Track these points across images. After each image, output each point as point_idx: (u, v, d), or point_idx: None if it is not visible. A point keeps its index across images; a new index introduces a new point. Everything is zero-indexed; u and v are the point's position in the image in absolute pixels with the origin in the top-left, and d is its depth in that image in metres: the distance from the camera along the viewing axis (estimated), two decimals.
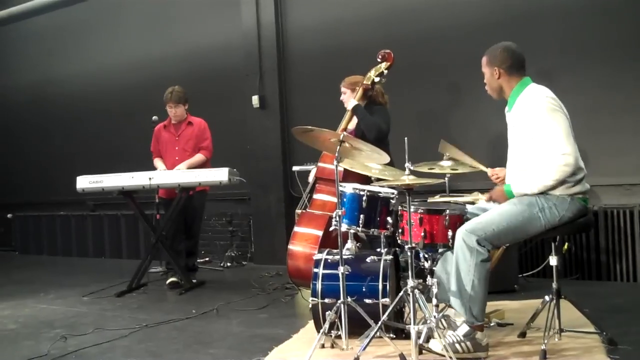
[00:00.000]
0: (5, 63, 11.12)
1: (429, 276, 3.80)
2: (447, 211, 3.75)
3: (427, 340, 3.62)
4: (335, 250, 4.14)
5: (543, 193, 3.61)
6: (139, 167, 6.47)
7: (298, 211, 5.71)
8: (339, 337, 3.87)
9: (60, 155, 10.20)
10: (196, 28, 8.65)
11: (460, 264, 3.57)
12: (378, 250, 4.23)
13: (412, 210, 3.69)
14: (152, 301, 6.06)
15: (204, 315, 5.25)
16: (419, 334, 3.52)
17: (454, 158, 4.27)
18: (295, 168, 6.79)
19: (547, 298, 3.79)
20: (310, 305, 4.11)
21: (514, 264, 5.58)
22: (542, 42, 5.98)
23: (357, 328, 3.86)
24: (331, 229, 4.19)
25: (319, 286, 4.07)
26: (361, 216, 4.14)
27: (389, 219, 4.14)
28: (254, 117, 7.99)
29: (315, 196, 5.46)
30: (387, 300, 3.93)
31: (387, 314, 3.75)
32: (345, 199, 4.19)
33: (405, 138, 3.66)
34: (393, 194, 4.21)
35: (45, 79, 10.42)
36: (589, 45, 5.97)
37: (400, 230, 3.89)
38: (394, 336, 3.94)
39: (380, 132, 5.22)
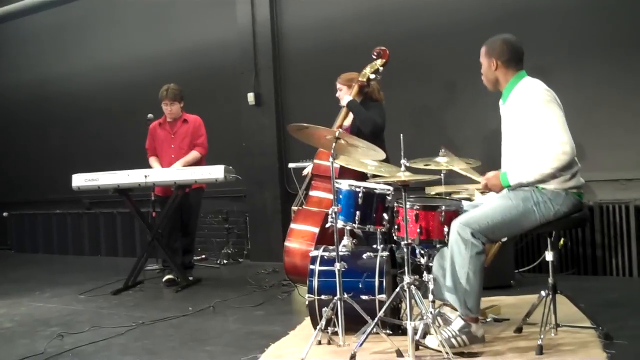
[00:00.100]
0: (1, 61, 11.09)
1: (425, 272, 3.81)
2: (443, 207, 3.75)
3: (424, 336, 3.62)
4: (331, 247, 4.14)
5: (538, 187, 3.61)
6: (135, 165, 6.47)
7: (294, 208, 5.71)
8: (335, 333, 3.87)
9: (56, 153, 10.20)
10: (192, 26, 8.64)
11: (455, 256, 3.58)
12: (374, 246, 4.23)
13: (408, 206, 3.69)
14: (148, 299, 6.06)
15: (200, 313, 5.25)
16: (415, 330, 3.52)
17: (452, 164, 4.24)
18: (291, 165, 6.79)
19: (543, 293, 3.79)
20: (306, 302, 4.11)
21: (510, 260, 5.59)
22: (538, 38, 5.98)
23: (353, 324, 3.86)
24: (327, 225, 4.19)
25: (315, 283, 4.07)
26: (357, 213, 4.14)
27: (385, 216, 4.14)
28: (250, 114, 7.99)
29: (311, 193, 5.46)
30: (383, 296, 3.93)
31: (383, 310, 3.75)
32: (341, 196, 4.19)
33: (401, 135, 3.66)
34: (389, 190, 4.21)
35: (41, 77, 10.40)
36: (585, 41, 5.97)
37: (396, 227, 3.89)
38: (391, 332, 3.94)
39: (375, 126, 5.22)
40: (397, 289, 3.72)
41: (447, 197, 4.44)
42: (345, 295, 3.81)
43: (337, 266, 3.80)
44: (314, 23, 7.61)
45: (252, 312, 5.18)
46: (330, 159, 3.89)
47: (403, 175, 3.62)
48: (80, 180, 6.50)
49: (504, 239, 4.04)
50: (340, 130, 3.92)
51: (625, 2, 5.82)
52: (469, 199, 4.24)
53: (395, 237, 3.93)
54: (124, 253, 9.35)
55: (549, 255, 3.82)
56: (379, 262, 4.03)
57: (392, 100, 5.83)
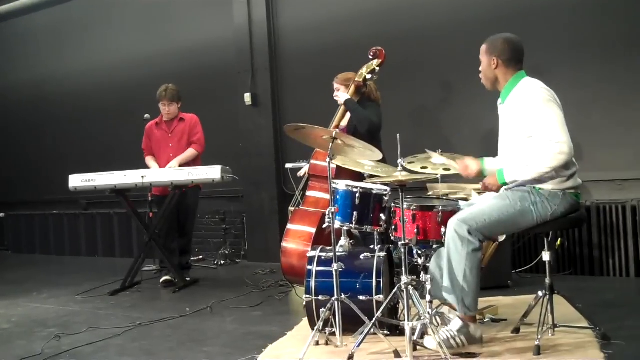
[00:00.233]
0: None
1: (422, 272, 3.81)
2: (440, 207, 3.75)
3: (422, 336, 3.63)
4: (328, 248, 4.14)
5: (535, 188, 3.61)
6: (132, 166, 6.46)
7: (291, 208, 5.71)
8: (333, 334, 3.87)
9: (52, 154, 10.18)
10: (188, 26, 8.63)
11: (452, 254, 3.57)
12: (371, 247, 4.23)
13: (405, 206, 3.69)
14: (145, 300, 6.05)
15: (197, 314, 5.25)
16: (413, 330, 3.52)
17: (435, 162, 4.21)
18: (288, 165, 6.79)
19: (540, 294, 3.79)
20: (304, 303, 4.11)
21: (507, 260, 5.59)
22: (535, 37, 5.97)
23: (351, 325, 3.86)
24: (324, 226, 4.20)
25: (312, 283, 4.07)
26: (354, 213, 4.14)
27: (382, 216, 4.15)
28: (247, 114, 7.98)
29: (308, 193, 5.46)
30: (381, 297, 3.93)
31: (381, 310, 3.75)
32: (338, 196, 4.19)
33: (398, 135, 3.66)
34: (386, 190, 4.21)
35: (37, 77, 10.38)
36: (582, 40, 5.98)
37: (393, 227, 3.89)
38: (388, 333, 3.94)
39: (372, 125, 5.22)
40: (395, 290, 3.73)
41: (444, 198, 4.44)
42: (343, 296, 3.82)
43: (335, 267, 3.80)
44: (311, 23, 7.61)
45: (250, 313, 5.18)
46: (327, 159, 3.89)
47: (400, 176, 3.62)
48: (77, 180, 6.49)
49: (501, 238, 4.05)
50: (337, 130, 3.92)
51: (622, 1, 5.82)
52: (466, 199, 4.24)
53: (392, 238, 3.93)
54: (121, 254, 9.34)
55: (546, 256, 3.81)
56: (377, 263, 4.03)
57: (389, 100, 5.83)
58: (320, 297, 4.01)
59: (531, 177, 3.56)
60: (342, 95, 5.42)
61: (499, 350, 3.65)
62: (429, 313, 3.62)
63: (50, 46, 10.25)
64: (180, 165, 6.44)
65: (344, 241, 4.22)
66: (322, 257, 4.13)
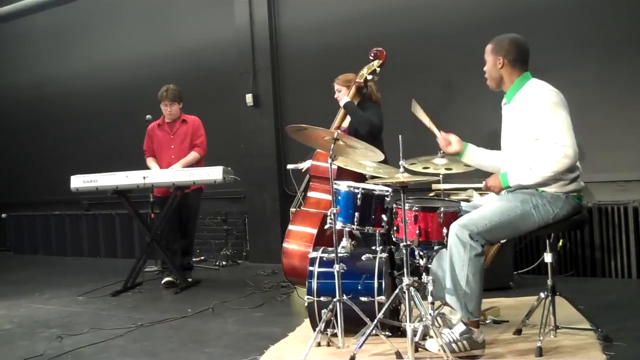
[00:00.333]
0: (0, 62, 11.08)
1: (424, 274, 3.81)
2: (442, 208, 3.75)
3: (423, 337, 3.62)
4: (330, 249, 4.15)
5: (537, 190, 3.61)
6: (134, 166, 6.47)
7: (292, 209, 5.72)
8: (335, 335, 3.87)
9: (54, 154, 10.20)
10: (190, 27, 8.64)
11: (454, 259, 3.56)
12: (373, 248, 4.23)
13: (406, 207, 3.69)
14: (147, 300, 6.06)
15: (199, 314, 5.25)
16: (414, 331, 3.52)
17: (418, 117, 4.22)
18: (289, 166, 6.77)
19: (542, 295, 3.79)
20: (305, 304, 4.11)
21: (509, 261, 5.59)
22: (535, 38, 5.92)
23: (353, 326, 3.86)
24: (326, 227, 4.19)
25: (314, 284, 4.07)
26: (356, 214, 4.13)
27: (384, 217, 4.14)
28: (248, 115, 7.99)
29: (310, 194, 5.46)
30: (382, 298, 3.93)
31: (382, 311, 3.75)
32: (339, 197, 4.19)
33: (400, 136, 3.66)
34: (387, 191, 4.21)
35: (39, 78, 10.40)
36: (583, 41, 5.98)
37: (395, 228, 3.88)
38: (390, 334, 3.94)
39: (373, 126, 5.22)
40: (397, 291, 3.73)
41: (446, 199, 4.43)
42: (345, 297, 3.81)
43: (337, 267, 3.80)
44: (312, 24, 7.61)
45: (251, 314, 5.18)
46: (329, 160, 3.89)
47: (402, 177, 3.62)
48: (78, 181, 6.49)
49: (503, 241, 4.04)
50: (338, 131, 3.92)
51: (623, 2, 5.82)
52: (468, 201, 4.24)
53: (394, 239, 3.93)
54: (122, 254, 9.35)
55: (547, 257, 3.81)
56: (378, 264, 4.03)
57: (390, 101, 5.83)
58: (322, 298, 4.01)
59: (535, 181, 3.54)
60: (342, 98, 5.42)
61: (500, 351, 3.65)
62: (430, 314, 3.62)
63: (52, 47, 10.26)
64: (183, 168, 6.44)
65: (345, 242, 4.22)
66: (324, 258, 4.14)
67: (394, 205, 3.90)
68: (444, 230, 3.69)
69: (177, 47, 8.75)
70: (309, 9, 7.64)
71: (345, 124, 5.51)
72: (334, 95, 5.60)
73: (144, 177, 6.23)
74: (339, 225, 4.13)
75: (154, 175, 6.30)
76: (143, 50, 9.15)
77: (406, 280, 3.58)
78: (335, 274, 3.80)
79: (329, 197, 4.64)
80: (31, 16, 10.44)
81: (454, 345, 3.54)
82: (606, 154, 5.83)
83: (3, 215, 10.88)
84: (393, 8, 7.00)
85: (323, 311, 3.88)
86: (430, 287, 3.68)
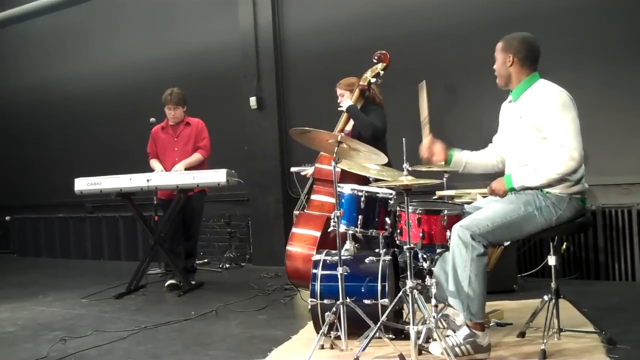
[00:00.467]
0: (3, 65, 11.12)
1: (427, 276, 3.80)
2: (445, 211, 3.74)
3: (427, 340, 3.62)
4: (333, 251, 4.15)
5: (542, 191, 3.60)
6: (138, 169, 6.48)
7: (296, 212, 5.72)
8: (338, 338, 3.87)
9: (58, 157, 10.22)
10: (194, 29, 8.66)
11: (457, 260, 3.55)
12: (377, 250, 4.23)
13: (410, 210, 3.69)
14: (151, 303, 6.06)
15: (203, 317, 5.25)
16: (418, 334, 3.52)
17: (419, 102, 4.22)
18: (293, 169, 6.78)
19: (546, 298, 3.79)
20: (309, 306, 4.10)
21: (513, 264, 5.58)
22: (539, 40, 5.97)
23: (356, 329, 3.86)
24: (329, 230, 4.19)
25: (317, 287, 4.06)
26: (359, 217, 4.13)
27: (388, 220, 4.14)
28: (252, 118, 8.00)
29: (313, 197, 5.46)
30: (386, 300, 3.93)
31: (386, 314, 3.75)
32: (343, 200, 4.19)
33: (403, 139, 3.66)
34: (391, 194, 4.21)
35: (43, 81, 10.43)
36: (587, 44, 5.97)
37: (398, 231, 3.88)
38: (394, 337, 3.94)
39: (376, 130, 5.22)
40: (400, 294, 3.72)
41: (450, 202, 4.43)
42: (348, 300, 3.81)
43: (340, 270, 3.80)
44: (316, 27, 7.62)
45: (255, 317, 5.18)
46: (333, 163, 3.89)
47: (405, 180, 3.62)
48: (82, 184, 6.49)
49: (507, 242, 4.03)
50: (342, 134, 3.92)
51: (626, 4, 5.82)
52: (471, 203, 4.23)
53: (397, 242, 3.93)
54: (126, 257, 9.35)
55: (551, 260, 3.81)
56: (382, 267, 4.03)
57: (394, 104, 5.84)
58: (325, 301, 4.01)
59: (539, 183, 3.54)
60: (344, 102, 5.43)
61: (504, 354, 3.65)
62: (434, 317, 3.61)
63: (55, 50, 10.29)
64: (186, 169, 6.45)
65: (349, 245, 4.22)
66: (328, 261, 4.13)
67: (398, 208, 3.90)
68: (448, 233, 3.68)
69: (181, 50, 8.76)
70: (313, 12, 7.65)
71: (349, 127, 5.51)
72: (336, 99, 5.60)
73: (148, 180, 6.24)
74: (342, 228, 4.13)
75: (158, 177, 6.30)
76: (147, 53, 9.17)
77: (410, 282, 3.58)
78: (339, 276, 3.80)
79: (332, 200, 4.64)
80: (34, 20, 10.46)
81: (457, 349, 3.54)
82: (610, 157, 5.82)
83: (7, 218, 10.89)
84: (397, 11, 7.00)
85: (326, 314, 3.88)
86: (433, 290, 3.68)
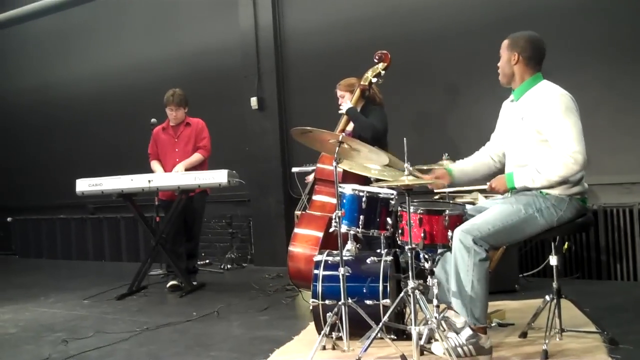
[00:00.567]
0: (5, 66, 11.14)
1: (429, 277, 3.80)
2: (447, 211, 3.74)
3: (429, 341, 3.61)
4: (335, 252, 4.14)
5: (542, 192, 3.59)
6: (139, 170, 6.48)
7: (297, 212, 5.71)
8: (340, 338, 3.86)
9: (59, 158, 10.22)
10: (194, 30, 8.66)
11: (459, 264, 3.55)
12: (378, 251, 4.23)
13: (411, 210, 3.68)
14: (152, 304, 6.06)
15: (204, 318, 5.25)
16: (420, 335, 3.51)
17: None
18: (294, 169, 6.78)
19: (547, 298, 3.79)
20: (310, 307, 4.11)
21: (514, 264, 5.58)
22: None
23: (358, 329, 3.85)
24: (331, 230, 4.19)
25: (319, 288, 4.07)
26: (361, 217, 4.13)
27: (389, 220, 4.13)
28: (253, 118, 7.99)
29: (315, 197, 5.45)
30: (387, 301, 3.93)
31: (387, 315, 3.74)
32: (344, 200, 4.18)
33: (404, 139, 3.65)
34: (392, 194, 4.20)
35: (44, 82, 10.44)
36: (587, 44, 5.97)
37: (400, 231, 3.88)
38: (395, 337, 3.94)
39: (376, 131, 5.21)
40: (402, 294, 3.72)
41: (451, 201, 4.43)
42: (350, 300, 3.81)
43: (341, 271, 3.80)
44: (317, 27, 7.62)
45: (256, 317, 5.18)
46: (334, 163, 3.89)
47: (407, 180, 3.61)
48: (84, 185, 6.49)
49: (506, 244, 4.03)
50: (343, 134, 3.92)
51: (627, 5, 5.81)
52: (473, 203, 4.23)
53: (399, 242, 3.92)
54: (128, 258, 9.36)
55: (553, 260, 3.81)
56: (383, 267, 4.03)
57: (395, 104, 5.84)
58: (327, 302, 4.01)
59: (541, 184, 3.53)
60: (344, 104, 5.43)
61: (506, 354, 3.65)
62: (435, 317, 3.61)
63: (57, 51, 10.30)
64: (187, 170, 6.45)
65: (350, 245, 4.22)
66: (329, 261, 4.13)
67: (399, 208, 3.89)
68: (449, 233, 3.67)
69: (182, 51, 8.77)
70: (313, 12, 7.65)
71: (350, 128, 5.50)
72: (337, 100, 5.60)
73: (149, 181, 6.24)
74: (344, 228, 4.13)
75: (159, 178, 6.30)
76: (148, 54, 9.17)
77: (411, 283, 3.57)
78: (340, 277, 3.79)
79: (334, 200, 4.64)
80: (36, 20, 10.46)
81: (459, 349, 3.53)
82: (611, 156, 5.81)
83: (8, 219, 10.90)
84: (397, 11, 7.00)
85: (328, 314, 3.88)
86: (435, 290, 3.68)
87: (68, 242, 10.13)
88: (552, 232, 3.67)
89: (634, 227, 5.69)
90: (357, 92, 5.42)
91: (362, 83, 5.41)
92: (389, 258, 4.09)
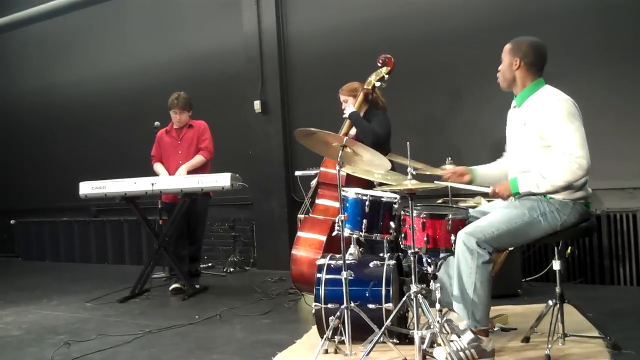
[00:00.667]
0: (8, 69, 11.17)
1: (432, 281, 3.80)
2: (450, 215, 3.74)
3: (431, 345, 3.61)
4: (338, 255, 4.14)
5: (545, 197, 3.59)
6: (142, 173, 6.48)
7: (300, 216, 5.71)
8: (342, 342, 3.87)
9: (63, 161, 10.24)
10: (198, 33, 8.68)
11: (462, 267, 3.55)
12: (381, 255, 4.23)
13: (414, 214, 3.68)
14: (155, 307, 6.06)
15: (206, 321, 5.25)
16: (422, 339, 3.51)
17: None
18: (297, 173, 6.77)
19: (550, 302, 3.78)
20: (313, 311, 4.10)
21: (517, 269, 5.56)
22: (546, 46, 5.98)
23: (360, 333, 3.86)
24: (334, 233, 4.19)
25: (322, 291, 4.07)
26: (364, 221, 4.13)
27: (392, 224, 4.14)
28: (256, 122, 8.00)
29: (318, 201, 5.45)
30: (390, 305, 3.92)
31: (390, 319, 3.74)
32: (347, 204, 4.19)
33: (408, 142, 3.65)
34: (395, 198, 4.20)
35: (47, 84, 10.45)
36: (590, 49, 5.97)
37: (403, 235, 3.88)
38: (398, 341, 3.94)
39: (376, 137, 5.20)
40: (404, 298, 3.72)
41: (454, 206, 4.43)
42: (352, 304, 3.81)
43: (344, 274, 3.80)
44: (320, 30, 7.63)
45: (259, 321, 5.17)
46: (337, 167, 3.89)
47: (410, 184, 3.61)
48: (87, 188, 6.50)
49: (511, 248, 4.02)
50: (346, 138, 3.92)
51: (629, 10, 5.81)
52: (475, 207, 4.22)
53: (402, 246, 3.92)
54: (130, 261, 9.36)
55: (556, 264, 3.80)
56: (386, 271, 4.03)
57: (398, 108, 5.84)
58: (329, 305, 4.01)
59: (545, 189, 3.51)
60: (348, 109, 5.43)
61: (509, 359, 3.64)
62: (438, 322, 3.60)
63: (60, 54, 10.32)
64: (189, 172, 6.46)
65: (353, 249, 4.21)
66: (332, 265, 4.13)
67: (402, 212, 3.89)
68: (452, 237, 3.67)
69: (185, 54, 8.78)
70: (316, 16, 7.66)
71: (353, 131, 5.50)
72: (340, 104, 5.59)
73: (153, 184, 6.24)
74: (346, 232, 4.13)
75: (162, 181, 6.31)
76: (151, 57, 9.19)
77: (414, 287, 3.57)
78: (343, 280, 3.80)
79: (337, 204, 4.64)
80: (40, 24, 10.48)
81: (461, 353, 3.53)
82: (614, 161, 5.80)
83: (11, 222, 10.89)
84: (401, 14, 7.00)
85: (330, 318, 3.88)
86: (438, 294, 3.67)
87: (71, 245, 10.14)
88: (556, 237, 3.67)
89: (637, 232, 5.68)
90: (360, 96, 5.41)
91: (365, 87, 5.41)
92: (392, 262, 4.08)
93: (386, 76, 5.38)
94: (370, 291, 3.98)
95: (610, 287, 5.77)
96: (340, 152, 3.86)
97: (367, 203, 4.13)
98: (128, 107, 9.30)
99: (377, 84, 5.39)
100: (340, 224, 3.96)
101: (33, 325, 5.47)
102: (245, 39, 8.06)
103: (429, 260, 3.82)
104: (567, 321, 3.78)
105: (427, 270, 3.84)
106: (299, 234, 5.30)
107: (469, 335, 3.57)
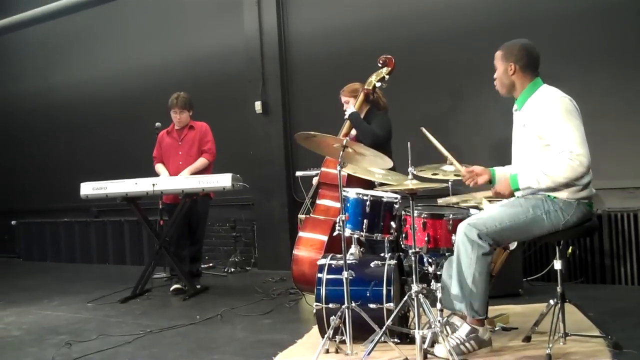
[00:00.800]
0: (9, 70, 11.18)
1: (433, 281, 3.80)
2: (451, 215, 3.74)
3: (432, 344, 3.61)
4: (339, 255, 4.14)
5: (550, 196, 3.58)
6: (143, 174, 6.48)
7: (301, 216, 5.71)
8: (343, 342, 3.87)
9: (64, 162, 10.24)
10: (199, 34, 8.68)
11: (462, 257, 3.55)
12: (382, 255, 4.23)
13: (415, 214, 3.69)
14: (156, 307, 6.06)
15: (207, 321, 5.25)
16: (423, 338, 3.52)
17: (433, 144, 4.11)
18: (298, 173, 6.78)
19: (551, 302, 3.78)
20: (314, 310, 4.11)
21: (519, 268, 5.56)
22: (543, 47, 5.87)
23: (361, 333, 3.85)
24: (335, 233, 4.19)
25: (323, 291, 4.07)
26: (365, 221, 4.14)
27: (393, 224, 4.14)
28: (257, 123, 8.00)
29: (319, 201, 5.46)
30: (391, 305, 3.92)
31: (391, 318, 3.75)
32: (348, 204, 4.19)
33: (408, 143, 3.65)
34: (396, 198, 4.20)
35: (48, 85, 10.46)
36: (591, 50, 5.96)
37: (403, 235, 3.88)
38: (399, 341, 3.94)
39: (376, 137, 5.20)
40: (405, 298, 3.72)
41: (455, 206, 4.43)
42: (353, 304, 3.81)
43: (345, 274, 3.80)
44: (321, 31, 7.63)
45: (260, 321, 5.18)
46: (338, 167, 3.89)
47: (411, 184, 3.61)
48: (88, 188, 6.51)
49: (512, 246, 4.02)
50: (347, 138, 3.92)
51: (630, 12, 5.80)
52: (477, 208, 4.22)
53: (402, 246, 3.93)
54: (131, 261, 9.37)
55: (557, 264, 3.80)
56: (387, 271, 4.02)
57: (399, 108, 5.83)
58: (330, 305, 4.01)
59: (546, 185, 3.51)
60: (348, 109, 5.43)
61: (510, 358, 3.64)
62: (439, 321, 3.61)
63: (61, 55, 10.33)
64: (192, 175, 6.45)
65: (354, 249, 4.21)
66: (333, 265, 4.13)
67: (403, 212, 3.89)
68: (453, 237, 3.68)
69: (187, 55, 8.78)
70: (317, 17, 7.66)
71: (354, 131, 5.50)
72: (341, 104, 5.59)
73: (153, 185, 6.25)
74: (347, 232, 4.13)
75: (163, 182, 6.31)
76: (152, 58, 9.19)
77: (415, 287, 3.58)
78: (344, 280, 3.80)
79: (338, 205, 4.64)
80: (40, 25, 10.49)
81: (461, 346, 3.55)
82: (616, 161, 5.80)
83: (12, 222, 10.90)
84: (401, 15, 7.01)
85: (331, 318, 3.88)
86: (439, 295, 3.68)
87: (72, 245, 10.14)
88: (557, 236, 3.67)
89: (638, 232, 5.68)
90: (361, 97, 5.41)
91: (366, 87, 5.41)
92: (393, 262, 4.08)
93: (387, 76, 5.39)
94: (371, 291, 3.98)
95: (611, 286, 5.76)
96: (341, 152, 3.86)
97: (367, 203, 4.13)
98: (129, 108, 9.30)
99: (378, 84, 5.39)
100: (341, 224, 3.96)
101: (34, 326, 5.48)
102: (246, 39, 8.06)
103: (430, 260, 3.83)
104: (568, 320, 3.77)
105: (428, 270, 3.85)
106: (301, 234, 5.30)
107: (465, 328, 3.58)
